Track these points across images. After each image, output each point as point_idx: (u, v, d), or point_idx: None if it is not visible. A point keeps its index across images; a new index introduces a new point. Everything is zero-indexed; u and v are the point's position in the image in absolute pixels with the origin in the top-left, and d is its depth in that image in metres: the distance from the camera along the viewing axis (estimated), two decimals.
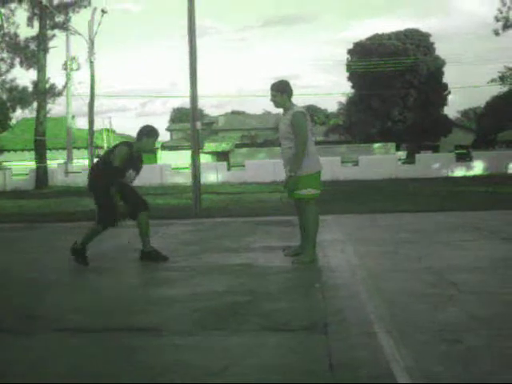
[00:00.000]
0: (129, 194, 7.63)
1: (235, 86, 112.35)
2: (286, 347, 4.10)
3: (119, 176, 7.35)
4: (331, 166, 33.12)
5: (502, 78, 33.40)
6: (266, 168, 33.53)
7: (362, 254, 7.73)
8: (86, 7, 35.43)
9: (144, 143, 7.57)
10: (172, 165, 35.74)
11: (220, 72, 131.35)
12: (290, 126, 7.12)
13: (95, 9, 27.41)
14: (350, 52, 52.72)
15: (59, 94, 49.70)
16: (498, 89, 44.20)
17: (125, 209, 7.51)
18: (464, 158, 36.78)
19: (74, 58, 42.49)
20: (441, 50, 58.60)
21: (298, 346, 4.11)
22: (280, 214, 13.08)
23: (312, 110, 71.18)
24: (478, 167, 33.76)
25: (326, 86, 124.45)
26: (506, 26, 29.20)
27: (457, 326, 4.40)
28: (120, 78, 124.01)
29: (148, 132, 7.61)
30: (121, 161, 7.30)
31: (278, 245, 8.53)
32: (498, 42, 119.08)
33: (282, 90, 7.29)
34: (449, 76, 50.70)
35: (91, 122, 27.18)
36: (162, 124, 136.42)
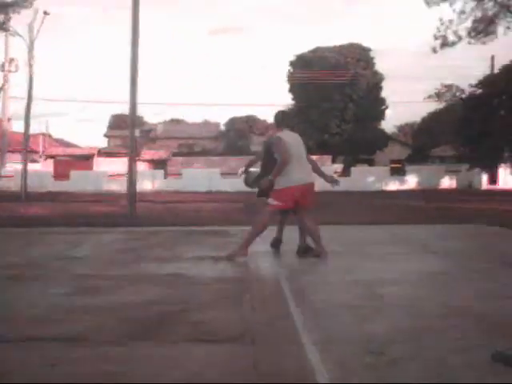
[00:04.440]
0: None
1: (176, 93, 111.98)
2: (213, 358, 4.06)
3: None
4: None
5: (438, 95, 34.24)
6: (202, 177, 33.52)
7: (290, 266, 7.78)
8: (27, 8, 34.72)
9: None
10: (108, 172, 35.31)
11: (162, 79, 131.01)
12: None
13: (37, 10, 26.97)
14: (291, 64, 53.11)
15: None
16: (434, 105, 45.36)
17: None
18: (398, 171, 37.56)
19: (12, 60, 41.56)
20: (380, 65, 59.65)
21: (224, 357, 4.07)
22: (214, 224, 13.05)
23: (251, 121, 71.42)
24: (411, 181, 34.51)
25: (267, 97, 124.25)
26: (443, 44, 29.92)
27: (382, 338, 4.45)
28: (59, 82, 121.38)
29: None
30: None
31: (210, 255, 8.49)
32: (436, 59, 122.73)
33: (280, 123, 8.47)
34: (387, 91, 51.51)
35: (27, 126, 26.62)
36: (100, 130, 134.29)
